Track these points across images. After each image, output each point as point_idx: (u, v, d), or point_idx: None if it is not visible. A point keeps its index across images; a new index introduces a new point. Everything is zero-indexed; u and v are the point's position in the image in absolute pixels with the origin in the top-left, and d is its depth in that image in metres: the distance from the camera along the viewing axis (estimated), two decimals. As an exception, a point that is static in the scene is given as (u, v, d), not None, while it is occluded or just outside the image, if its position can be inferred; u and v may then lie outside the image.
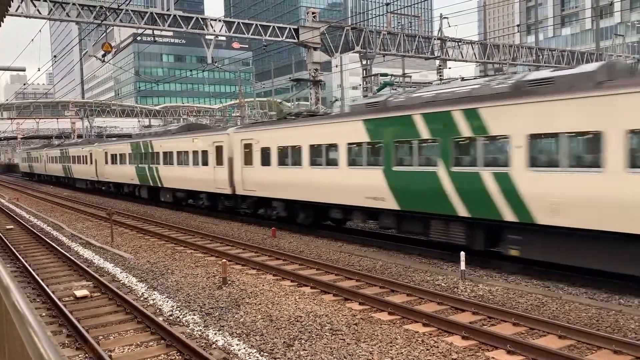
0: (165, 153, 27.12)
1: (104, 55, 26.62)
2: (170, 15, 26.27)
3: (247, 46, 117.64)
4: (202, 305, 9.95)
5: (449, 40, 34.85)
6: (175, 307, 9.93)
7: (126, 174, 32.58)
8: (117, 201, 33.36)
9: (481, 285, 11.12)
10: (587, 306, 9.46)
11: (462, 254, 11.73)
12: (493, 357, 7.31)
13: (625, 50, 55.32)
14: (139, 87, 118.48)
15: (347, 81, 73.47)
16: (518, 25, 61.56)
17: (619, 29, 73.32)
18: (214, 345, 7.90)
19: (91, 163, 39.23)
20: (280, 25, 29.41)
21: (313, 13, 30.05)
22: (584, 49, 54.93)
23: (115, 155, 34.23)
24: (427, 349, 7.58)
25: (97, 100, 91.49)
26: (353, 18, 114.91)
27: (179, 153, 25.63)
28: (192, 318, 9.22)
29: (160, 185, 28.14)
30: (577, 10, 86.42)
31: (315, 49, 29.22)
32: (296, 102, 74.25)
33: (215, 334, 8.39)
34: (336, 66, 62.43)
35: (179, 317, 9.31)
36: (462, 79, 15.35)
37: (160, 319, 8.86)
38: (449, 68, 37.60)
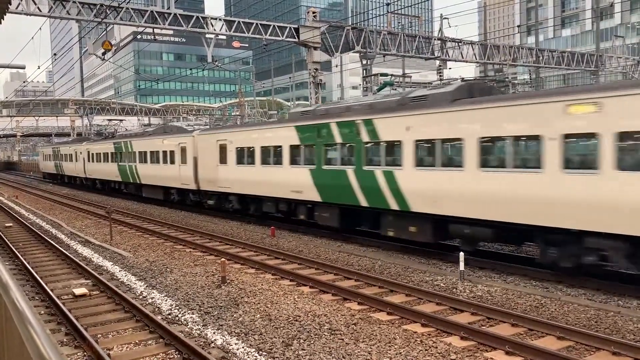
0: (433, 144, 13.27)
1: (104, 54, 26.57)
2: (170, 13, 26.24)
3: (247, 45, 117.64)
4: (201, 304, 9.95)
5: (449, 41, 34.85)
6: (174, 305, 9.93)
7: (282, 182, 18.42)
8: (116, 199, 33.32)
9: (480, 285, 11.12)
10: (585, 307, 9.46)
11: (461, 254, 11.73)
12: (492, 358, 7.31)
13: (626, 51, 55.31)
14: (139, 86, 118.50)
15: (347, 81, 73.52)
16: (519, 26, 61.62)
17: (619, 31, 73.34)
18: (212, 344, 7.89)
19: (183, 163, 25.24)
20: (281, 24, 29.40)
21: (313, 12, 30.03)
22: (584, 50, 54.95)
23: (250, 149, 20.31)
24: (426, 349, 7.58)
25: (97, 99, 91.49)
26: (353, 18, 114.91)
27: (487, 143, 12.10)
28: (191, 317, 9.22)
29: (397, 209, 14.06)
30: (578, 12, 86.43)
31: (315, 48, 29.21)
32: (295, 102, 74.22)
33: (214, 333, 8.39)
34: (336, 66, 62.48)
35: (177, 316, 9.30)
36: (463, 80, 15.40)
37: (159, 318, 8.85)
38: (449, 69, 37.62)
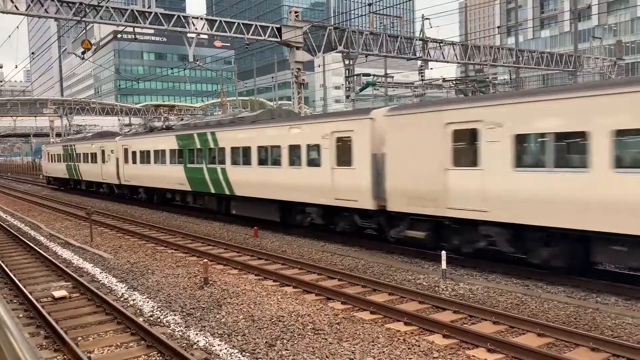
0: None
1: (83, 53, 26.23)
2: (151, 12, 25.99)
3: (229, 44, 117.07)
4: (183, 306, 9.88)
5: (431, 41, 35.11)
6: (156, 307, 9.84)
7: None
8: (96, 200, 32.89)
9: (462, 284, 11.22)
10: (565, 304, 9.60)
11: (443, 253, 11.82)
12: (474, 356, 7.38)
13: (603, 52, 56.30)
14: (119, 85, 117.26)
15: (330, 81, 73.57)
16: (498, 27, 62.29)
17: (596, 32, 74.59)
18: (195, 346, 7.84)
19: (342, 164, 15.53)
20: (263, 24, 29.31)
21: (295, 12, 30.01)
22: (562, 50, 55.77)
23: (571, 137, 10.40)
24: (409, 348, 7.62)
25: (77, 98, 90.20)
26: (335, 18, 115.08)
27: None
28: (173, 318, 9.15)
29: None
30: (556, 13, 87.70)
31: (297, 48, 29.18)
32: (278, 102, 74.11)
33: (197, 334, 8.34)
34: (319, 66, 62.50)
35: (159, 318, 9.22)
36: (444, 80, 15.67)
37: (140, 320, 8.77)
38: (431, 69, 37.95)
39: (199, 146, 22.26)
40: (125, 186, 30.38)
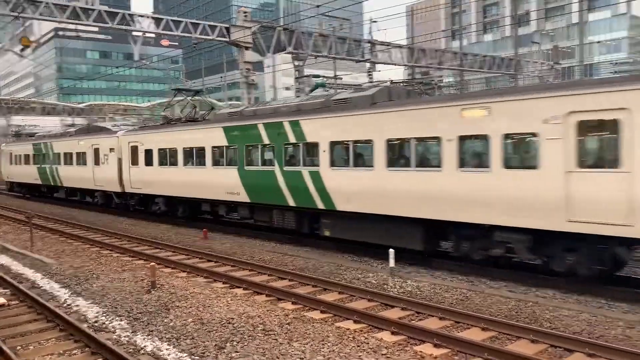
0: None
1: (22, 50, 25.17)
2: (94, 10, 25.23)
3: (176, 44, 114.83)
4: (129, 310, 9.65)
5: (379, 44, 35.68)
6: (101, 312, 9.57)
7: None
8: (37, 204, 31.57)
9: (409, 281, 11.47)
10: (507, 299, 9.99)
11: (391, 251, 12.04)
12: (421, 351, 7.57)
13: (541, 56, 58.78)
14: (62, 85, 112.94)
15: (280, 82, 73.42)
16: (443, 31, 63.94)
17: (535, 37, 77.74)
18: (142, 351, 7.69)
19: None
20: (211, 23, 29.01)
21: (244, 12, 29.84)
22: (504, 54, 57.80)
23: None
24: (358, 346, 7.74)
25: (15, 97, 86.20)
26: (285, 19, 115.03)
27: None
28: (119, 324, 8.93)
29: None
30: (498, 18, 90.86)
31: (247, 48, 29.03)
32: (228, 102, 73.31)
33: (144, 339, 8.17)
34: (268, 66, 62.29)
35: (105, 323, 8.98)
36: (392, 82, 15.97)
37: (84, 326, 8.50)
38: (379, 71, 38.57)
39: (267, 141, 16.40)
40: (131, 195, 24.03)
